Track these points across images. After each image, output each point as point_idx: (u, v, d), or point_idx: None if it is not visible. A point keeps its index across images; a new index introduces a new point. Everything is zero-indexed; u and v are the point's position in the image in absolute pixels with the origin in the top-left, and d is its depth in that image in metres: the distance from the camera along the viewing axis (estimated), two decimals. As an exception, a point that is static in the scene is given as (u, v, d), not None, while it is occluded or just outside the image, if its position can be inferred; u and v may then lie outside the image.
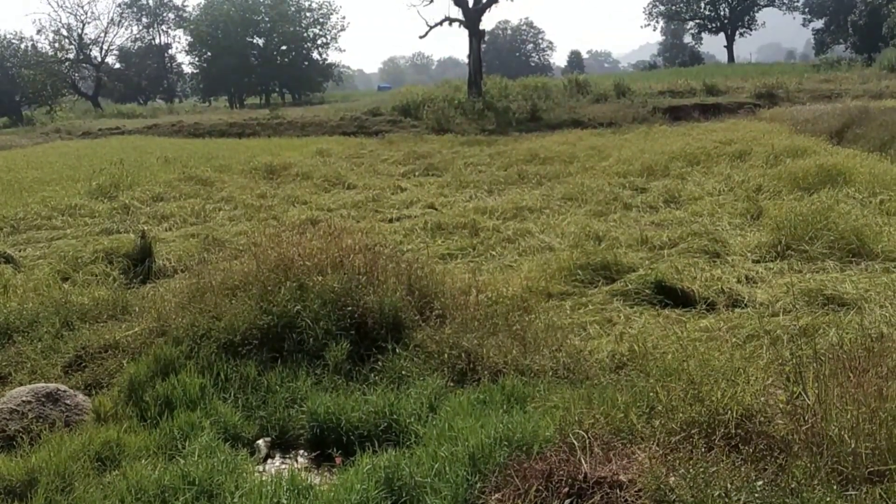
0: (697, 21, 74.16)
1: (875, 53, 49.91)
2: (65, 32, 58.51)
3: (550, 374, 4.80)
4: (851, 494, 2.99)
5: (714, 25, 72.48)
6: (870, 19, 51.31)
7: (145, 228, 9.66)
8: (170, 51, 70.53)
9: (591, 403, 3.94)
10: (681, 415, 3.60)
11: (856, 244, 7.60)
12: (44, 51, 57.85)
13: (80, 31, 59.48)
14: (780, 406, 3.63)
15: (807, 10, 69.15)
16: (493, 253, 8.80)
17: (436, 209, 11.90)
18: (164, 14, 68.19)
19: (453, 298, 5.96)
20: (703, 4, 72.25)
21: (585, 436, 3.43)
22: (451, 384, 4.77)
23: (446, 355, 5.03)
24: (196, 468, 3.62)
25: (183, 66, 72.28)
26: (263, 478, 3.71)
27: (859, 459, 3.13)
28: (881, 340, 4.19)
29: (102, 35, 61.81)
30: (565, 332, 5.64)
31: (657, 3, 76.02)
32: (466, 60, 37.58)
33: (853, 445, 3.17)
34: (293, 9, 65.30)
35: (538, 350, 5.13)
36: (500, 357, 4.98)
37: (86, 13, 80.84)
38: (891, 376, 3.56)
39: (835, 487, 3.01)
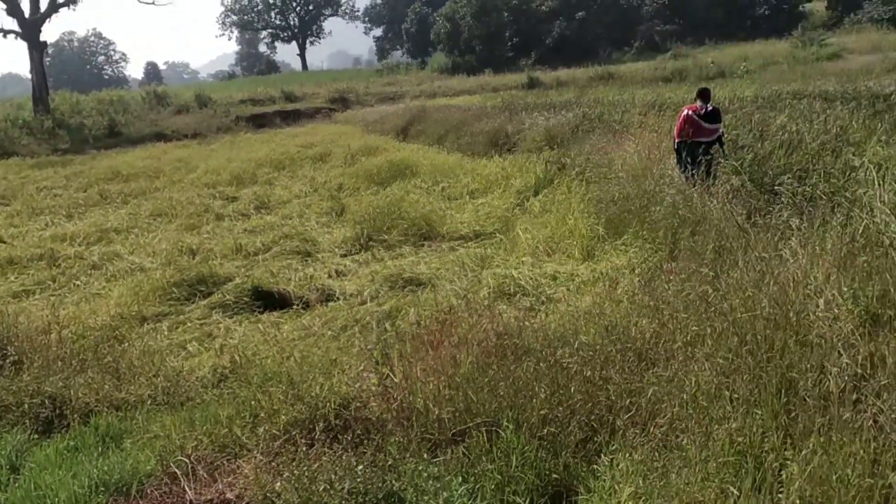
0: (270, 31, 76.23)
1: (427, 58, 57.40)
2: None
3: (149, 402, 4.51)
4: (440, 459, 3.29)
5: (286, 35, 75.38)
6: (420, 27, 58.65)
7: None
8: None
9: (193, 425, 3.79)
10: (283, 417, 3.66)
11: (426, 229, 8.66)
12: None
13: None
14: (373, 389, 3.88)
15: (367, 19, 76.22)
16: (78, 283, 7.95)
17: (3, 242, 10.14)
18: None
19: (30, 341, 5.33)
20: (273, 14, 74.43)
21: (188, 461, 3.28)
22: (36, 436, 4.25)
23: (26, 405, 4.45)
24: None
25: None
26: None
27: (444, 424, 3.49)
28: (451, 312, 4.71)
29: None
30: (163, 355, 5.38)
31: (230, 13, 76.04)
32: (30, 76, 33.61)
33: (437, 413, 3.53)
34: None
35: (134, 379, 4.81)
36: (91, 395, 4.57)
37: None
38: (461, 343, 4.05)
39: (425, 455, 3.31)
